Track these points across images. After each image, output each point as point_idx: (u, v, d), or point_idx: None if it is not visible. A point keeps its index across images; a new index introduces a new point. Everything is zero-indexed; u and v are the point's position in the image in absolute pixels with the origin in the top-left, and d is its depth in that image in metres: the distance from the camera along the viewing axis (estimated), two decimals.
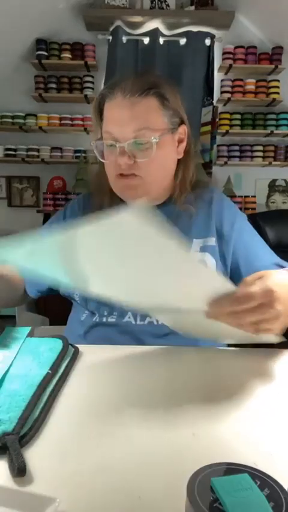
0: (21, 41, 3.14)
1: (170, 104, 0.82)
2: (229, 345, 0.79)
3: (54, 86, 3.27)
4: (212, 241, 0.87)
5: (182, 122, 0.87)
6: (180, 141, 0.87)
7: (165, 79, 0.86)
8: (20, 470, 0.39)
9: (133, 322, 0.84)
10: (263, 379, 0.63)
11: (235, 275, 0.87)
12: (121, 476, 0.40)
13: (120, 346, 0.79)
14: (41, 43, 3.18)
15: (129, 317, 0.84)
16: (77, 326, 0.90)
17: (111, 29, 3.11)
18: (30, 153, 3.30)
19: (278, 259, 0.88)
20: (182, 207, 0.88)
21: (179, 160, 0.89)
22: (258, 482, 0.31)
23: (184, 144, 0.88)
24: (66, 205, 1.01)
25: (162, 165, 0.85)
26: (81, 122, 3.27)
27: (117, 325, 0.85)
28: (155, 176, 0.84)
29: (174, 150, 0.87)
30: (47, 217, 3.24)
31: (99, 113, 0.85)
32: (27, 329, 0.77)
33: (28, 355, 0.69)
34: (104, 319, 0.86)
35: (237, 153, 3.36)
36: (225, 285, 0.56)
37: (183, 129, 0.87)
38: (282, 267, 0.86)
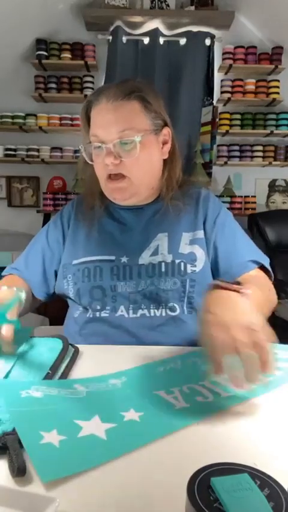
0: (21, 41, 3.13)
1: (152, 106, 0.87)
2: None
3: (54, 86, 3.27)
4: (201, 234, 0.92)
5: (165, 124, 0.91)
6: (164, 143, 0.92)
7: (147, 84, 0.91)
8: (20, 470, 0.39)
9: (126, 316, 0.87)
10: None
11: (213, 268, 0.92)
12: (121, 476, 0.40)
13: (119, 346, 0.80)
14: (41, 43, 3.18)
15: (121, 311, 0.88)
16: (72, 323, 0.93)
17: (111, 29, 3.11)
18: (30, 153, 3.30)
19: (255, 256, 0.91)
20: (170, 202, 0.93)
21: (164, 161, 0.94)
22: (258, 482, 0.31)
23: (169, 145, 0.93)
24: (63, 208, 1.05)
25: (148, 165, 0.89)
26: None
27: (111, 319, 0.87)
28: (141, 176, 0.88)
29: (159, 151, 0.91)
30: (47, 217, 3.24)
31: (87, 119, 0.89)
32: (29, 329, 0.77)
33: (28, 355, 0.70)
34: (98, 314, 0.88)
35: (237, 153, 3.35)
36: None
37: (167, 131, 0.92)
38: (258, 263, 0.91)
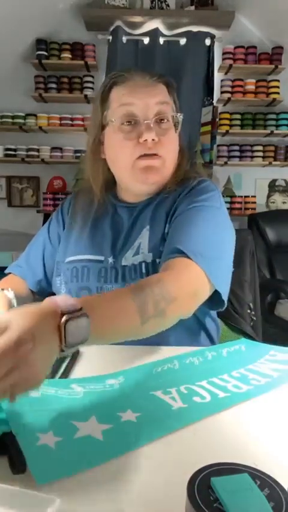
0: (21, 41, 3.14)
1: (174, 96, 0.87)
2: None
3: (54, 86, 3.27)
4: (167, 227, 0.83)
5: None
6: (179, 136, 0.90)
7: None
8: (20, 470, 0.39)
9: None
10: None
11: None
12: (121, 476, 0.40)
13: (120, 346, 0.79)
14: (41, 43, 3.18)
15: None
16: None
17: (111, 29, 3.11)
18: (30, 153, 3.30)
19: (188, 247, 0.72)
20: (170, 189, 0.86)
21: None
22: (258, 482, 0.31)
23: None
24: (63, 202, 1.02)
25: (176, 149, 0.87)
26: (81, 122, 3.27)
27: None
28: (172, 158, 0.85)
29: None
30: (47, 217, 3.23)
31: (104, 100, 0.85)
32: None
33: None
34: None
35: (237, 153, 3.36)
36: None
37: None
38: (182, 252, 0.72)
